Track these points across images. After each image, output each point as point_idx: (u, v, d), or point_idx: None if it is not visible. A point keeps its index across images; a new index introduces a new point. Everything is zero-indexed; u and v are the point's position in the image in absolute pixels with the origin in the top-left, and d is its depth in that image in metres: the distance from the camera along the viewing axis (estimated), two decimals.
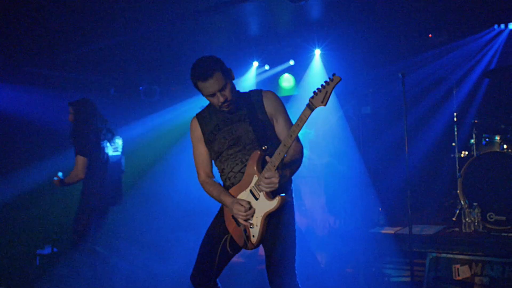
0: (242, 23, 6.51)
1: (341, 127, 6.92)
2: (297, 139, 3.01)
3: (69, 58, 6.98)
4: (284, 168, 2.91)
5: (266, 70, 7.65)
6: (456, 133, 6.17)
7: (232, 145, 3.01)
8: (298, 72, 7.55)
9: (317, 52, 7.19)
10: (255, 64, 7.55)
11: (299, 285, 2.99)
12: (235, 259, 3.19)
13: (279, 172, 2.78)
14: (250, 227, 2.92)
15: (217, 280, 3.18)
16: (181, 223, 7.00)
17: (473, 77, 6.95)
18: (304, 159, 5.91)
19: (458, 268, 4.60)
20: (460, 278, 4.58)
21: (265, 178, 2.77)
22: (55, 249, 6.93)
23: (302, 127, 2.69)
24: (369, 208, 6.23)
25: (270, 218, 2.92)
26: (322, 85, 2.60)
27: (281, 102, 3.09)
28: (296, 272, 2.98)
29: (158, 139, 7.92)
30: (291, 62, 7.49)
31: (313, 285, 4.98)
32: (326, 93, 2.58)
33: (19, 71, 6.86)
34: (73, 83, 7.52)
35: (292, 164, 2.97)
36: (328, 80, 2.60)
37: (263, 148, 2.91)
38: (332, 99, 7.02)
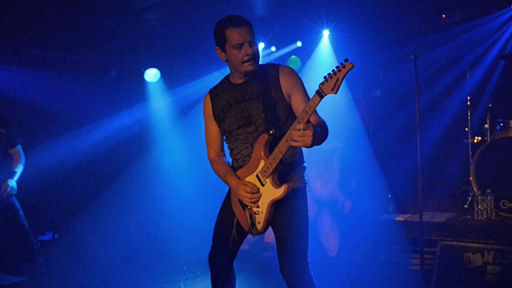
0: (247, 3, 6.47)
1: (350, 110, 6.91)
2: (316, 113, 2.90)
3: (68, 39, 6.97)
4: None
5: (272, 52, 7.61)
6: (469, 117, 6.15)
7: (243, 125, 2.97)
8: (306, 54, 7.52)
9: (326, 33, 7.15)
10: (261, 45, 7.51)
11: (311, 273, 3.00)
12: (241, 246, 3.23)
13: (312, 126, 2.60)
14: (256, 214, 2.92)
15: (234, 264, 3.20)
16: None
17: (488, 59, 6.90)
18: None
19: (469, 257, 4.62)
20: (471, 266, 4.59)
21: (297, 130, 2.58)
22: (56, 236, 7.01)
23: (311, 114, 2.61)
24: (378, 194, 6.25)
25: (282, 204, 2.91)
26: (333, 71, 2.50)
27: (299, 78, 2.99)
28: (308, 260, 2.98)
29: (157, 124, 7.94)
30: (299, 44, 7.45)
31: (320, 273, 5.01)
32: (337, 80, 2.48)
33: (17, 53, 6.86)
34: (72, 65, 7.52)
35: (318, 126, 2.79)
36: (339, 65, 2.49)
37: (271, 132, 2.86)
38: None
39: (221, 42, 2.90)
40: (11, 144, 4.98)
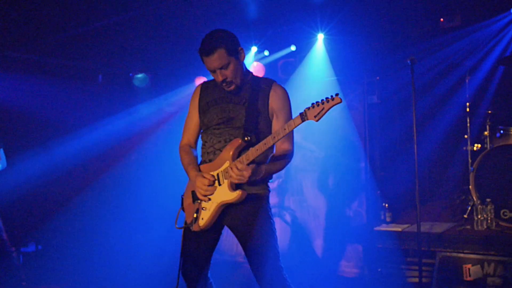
0: (239, 6, 6.50)
1: (345, 117, 6.93)
2: (291, 142, 3.15)
3: (53, 42, 6.96)
4: (260, 164, 3.02)
5: (265, 56, 7.64)
6: (468, 124, 6.19)
7: (222, 123, 3.13)
8: (300, 58, 7.55)
9: (320, 36, 7.18)
10: (254, 49, 7.54)
11: (287, 279, 3.09)
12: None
13: (253, 167, 2.91)
14: (203, 209, 3.05)
15: (209, 275, 3.27)
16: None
17: (487, 64, 6.95)
18: (305, 152, 5.97)
19: (469, 268, 4.65)
20: (471, 278, 4.62)
21: (237, 169, 2.90)
22: (39, 247, 6.98)
23: (287, 132, 2.85)
24: (374, 204, 6.27)
25: (243, 213, 3.04)
26: (322, 100, 2.75)
27: (289, 101, 3.20)
28: (281, 265, 3.08)
29: (147, 130, 7.94)
30: (292, 48, 7.48)
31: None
32: (322, 109, 2.74)
33: (0, 56, 6.85)
34: (57, 69, 7.50)
35: (273, 161, 3.10)
36: (329, 97, 2.74)
37: (246, 139, 3.02)
38: (336, 87, 7.03)
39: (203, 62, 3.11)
40: None
